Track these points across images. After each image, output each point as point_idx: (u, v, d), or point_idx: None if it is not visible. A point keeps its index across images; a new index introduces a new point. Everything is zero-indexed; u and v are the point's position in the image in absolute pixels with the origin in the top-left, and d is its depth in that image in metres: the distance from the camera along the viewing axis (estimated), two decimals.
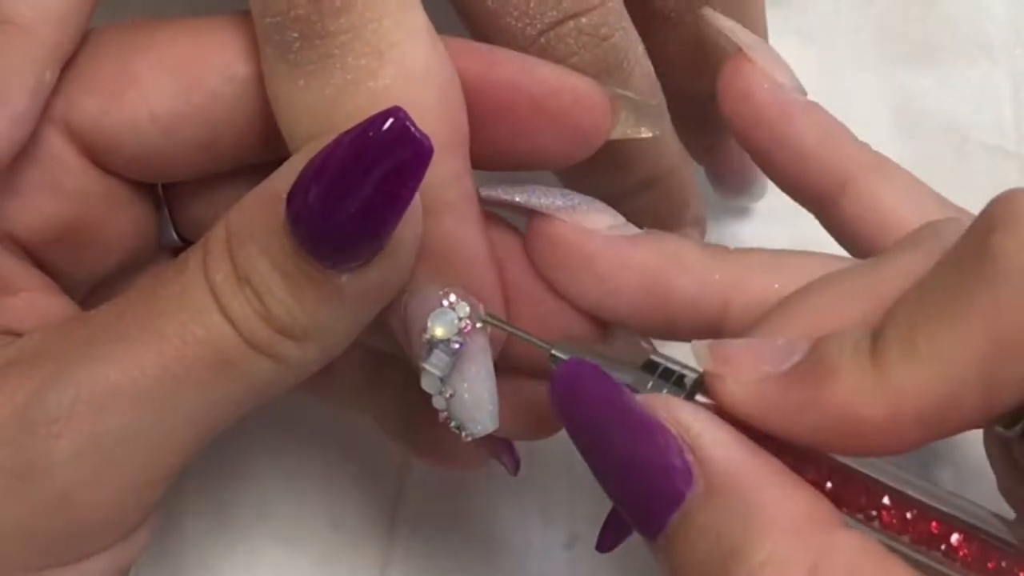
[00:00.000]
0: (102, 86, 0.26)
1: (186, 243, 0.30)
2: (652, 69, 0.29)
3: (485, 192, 0.27)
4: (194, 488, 0.36)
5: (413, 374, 0.27)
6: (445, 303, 0.25)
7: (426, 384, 0.26)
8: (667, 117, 0.29)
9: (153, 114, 0.26)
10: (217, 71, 0.26)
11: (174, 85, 0.26)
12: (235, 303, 0.24)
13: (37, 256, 0.27)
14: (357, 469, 0.36)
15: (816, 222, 0.30)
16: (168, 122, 0.26)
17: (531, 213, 0.27)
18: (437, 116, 0.25)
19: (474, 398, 0.26)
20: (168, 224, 0.29)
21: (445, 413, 0.26)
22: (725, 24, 0.30)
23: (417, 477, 0.36)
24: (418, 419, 0.30)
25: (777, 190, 0.30)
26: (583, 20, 0.28)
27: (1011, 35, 0.38)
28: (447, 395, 0.26)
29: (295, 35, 0.24)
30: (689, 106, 0.32)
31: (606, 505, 0.36)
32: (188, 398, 0.24)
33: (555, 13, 0.28)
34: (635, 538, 0.36)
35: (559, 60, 0.28)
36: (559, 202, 0.27)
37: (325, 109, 0.25)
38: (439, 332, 0.25)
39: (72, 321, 0.25)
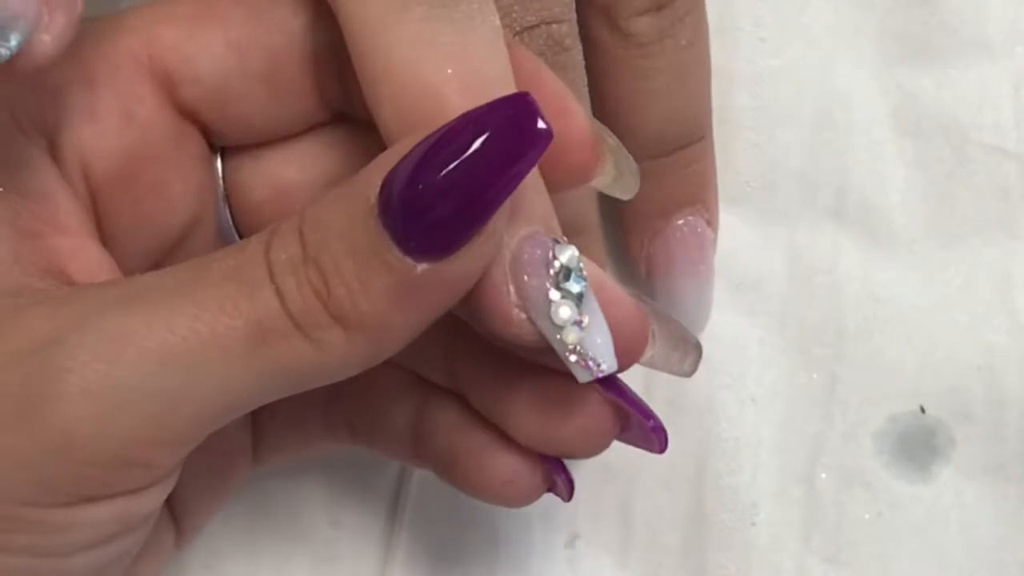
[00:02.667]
0: (183, 18, 0.27)
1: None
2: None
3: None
4: None
5: (463, 412, 0.28)
6: (560, 239, 0.25)
7: (562, 315, 0.24)
8: (638, 182, 0.29)
9: (229, 40, 0.27)
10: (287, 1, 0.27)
11: (248, 11, 0.27)
12: (291, 280, 0.23)
13: (102, 201, 0.28)
14: (358, 468, 0.36)
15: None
16: (241, 46, 0.27)
17: None
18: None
19: (603, 329, 0.25)
20: (228, 223, 0.30)
21: (574, 347, 0.25)
22: None
23: (418, 476, 0.36)
24: (471, 459, 0.30)
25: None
26: (554, 27, 0.30)
27: (1011, 35, 0.38)
28: (584, 322, 0.25)
29: None
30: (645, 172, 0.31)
31: (606, 504, 0.36)
32: (213, 369, 0.23)
33: (533, 18, 0.30)
34: (641, 538, 0.36)
35: None
36: None
37: (438, 48, 0.24)
38: (568, 259, 0.24)
39: (110, 280, 0.26)
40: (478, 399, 0.29)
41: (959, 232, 0.37)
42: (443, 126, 0.23)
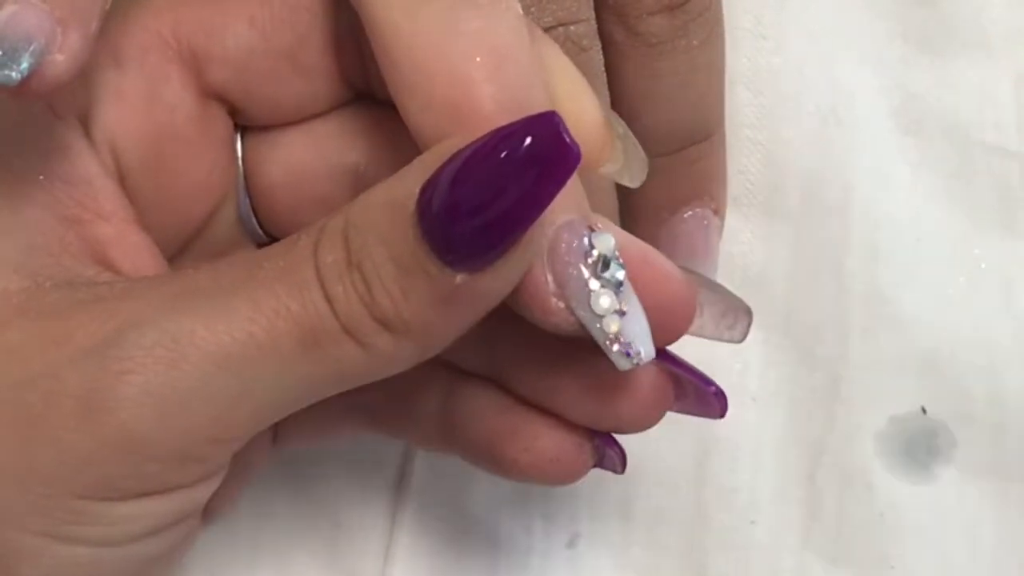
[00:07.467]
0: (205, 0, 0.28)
1: (269, 237, 0.30)
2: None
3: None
4: None
5: (498, 396, 0.28)
6: (595, 226, 0.25)
7: (603, 304, 0.25)
8: (646, 170, 0.29)
9: (252, 18, 0.27)
10: None
11: None
12: (339, 286, 0.24)
13: (128, 185, 0.28)
14: (359, 468, 0.36)
15: None
16: (264, 24, 0.27)
17: None
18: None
19: (641, 316, 0.25)
20: (247, 208, 0.30)
21: (616, 336, 0.25)
22: None
23: (419, 475, 0.36)
24: (514, 441, 0.29)
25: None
26: (571, 28, 0.30)
27: (1011, 35, 0.38)
28: (624, 310, 0.25)
29: None
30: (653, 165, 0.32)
31: (607, 504, 0.36)
32: (269, 370, 0.24)
33: (550, 19, 0.30)
34: (641, 538, 0.36)
35: None
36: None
37: (465, 36, 0.24)
38: (606, 248, 0.25)
39: (163, 275, 0.26)
40: (521, 382, 0.29)
41: (962, 232, 0.37)
42: (476, 140, 0.23)
